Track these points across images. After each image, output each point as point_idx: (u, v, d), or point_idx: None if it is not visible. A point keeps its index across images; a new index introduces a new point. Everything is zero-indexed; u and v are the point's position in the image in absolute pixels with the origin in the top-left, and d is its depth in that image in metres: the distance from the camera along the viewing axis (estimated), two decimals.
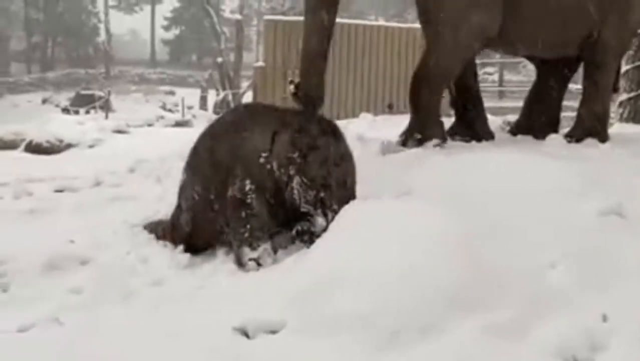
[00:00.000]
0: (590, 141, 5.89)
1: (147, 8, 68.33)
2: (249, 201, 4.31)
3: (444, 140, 5.72)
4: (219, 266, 4.45)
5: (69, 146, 15.51)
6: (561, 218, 3.65)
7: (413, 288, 3.19)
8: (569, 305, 3.02)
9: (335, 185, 4.18)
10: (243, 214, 4.32)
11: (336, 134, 4.35)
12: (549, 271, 3.26)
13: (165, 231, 4.99)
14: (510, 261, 3.35)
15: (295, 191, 4.21)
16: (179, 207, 4.89)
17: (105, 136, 16.66)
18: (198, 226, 4.72)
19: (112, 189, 7.49)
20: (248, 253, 4.25)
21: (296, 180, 4.21)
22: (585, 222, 3.58)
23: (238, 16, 25.75)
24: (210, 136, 4.79)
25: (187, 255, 4.66)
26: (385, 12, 47.40)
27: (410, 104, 6.01)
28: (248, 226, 4.30)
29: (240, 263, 4.28)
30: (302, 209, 4.23)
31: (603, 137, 5.92)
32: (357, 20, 18.03)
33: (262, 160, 4.32)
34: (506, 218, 3.70)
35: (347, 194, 4.22)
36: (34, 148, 15.52)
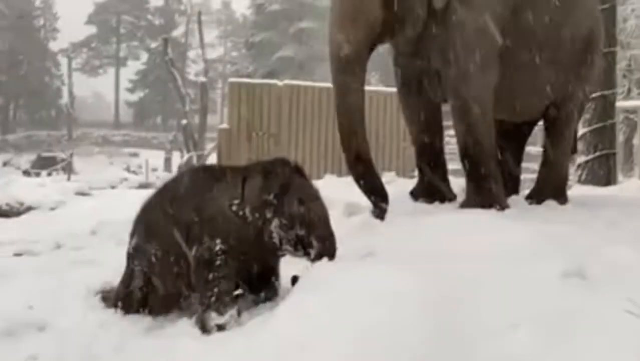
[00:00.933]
0: (550, 203, 5.96)
1: (112, 71, 68.79)
2: (218, 262, 4.23)
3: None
4: (181, 330, 4.40)
5: (29, 208, 15.37)
6: (523, 279, 3.66)
7: (379, 350, 3.18)
8: None
9: (317, 221, 4.19)
10: (210, 276, 4.23)
11: (302, 173, 4.37)
12: (513, 332, 3.26)
13: (118, 298, 4.87)
14: (474, 322, 3.36)
15: (275, 234, 4.19)
16: (130, 272, 4.78)
17: (67, 198, 16.56)
18: (155, 291, 4.64)
19: (72, 253, 7.43)
20: (214, 318, 4.16)
21: (274, 222, 4.19)
22: (548, 283, 3.60)
23: (203, 79, 25.87)
24: (169, 196, 4.70)
25: (149, 319, 4.62)
26: None
27: (475, 176, 5.93)
28: (215, 290, 4.20)
29: (205, 329, 4.18)
30: (283, 252, 4.27)
31: (563, 199, 5.99)
32: (323, 83, 18.21)
33: (233, 208, 4.28)
34: (469, 279, 3.71)
35: (327, 231, 4.24)
36: None
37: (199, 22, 32.11)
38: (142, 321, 4.61)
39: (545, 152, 6.39)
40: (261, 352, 3.41)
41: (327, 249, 4.16)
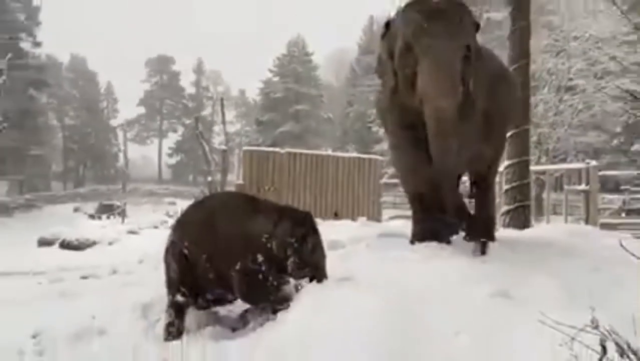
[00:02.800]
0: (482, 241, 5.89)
1: (156, 141, 69.00)
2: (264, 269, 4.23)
3: None
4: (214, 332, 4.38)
5: (93, 243, 15.36)
6: (461, 298, 3.66)
7: (357, 347, 3.18)
8: None
9: (319, 263, 4.23)
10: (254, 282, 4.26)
11: (316, 230, 4.33)
12: (456, 338, 3.25)
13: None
14: (424, 330, 3.34)
15: (290, 267, 4.18)
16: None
17: (121, 236, 16.56)
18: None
19: (125, 276, 7.40)
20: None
21: (291, 259, 4.18)
22: (479, 301, 3.59)
23: (224, 147, 25.87)
24: (211, 211, 4.66)
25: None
26: (333, 145, 48.15)
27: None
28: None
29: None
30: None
31: (492, 238, 5.95)
32: (312, 150, 18.29)
33: (263, 240, 4.25)
34: (419, 298, 3.71)
35: (323, 271, 4.25)
36: (67, 245, 15.36)
37: (222, 105, 32.16)
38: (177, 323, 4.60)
39: (477, 201, 6.29)
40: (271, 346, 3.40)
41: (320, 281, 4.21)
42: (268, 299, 4.24)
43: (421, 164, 5.30)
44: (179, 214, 4.96)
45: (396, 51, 5.08)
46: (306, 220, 4.36)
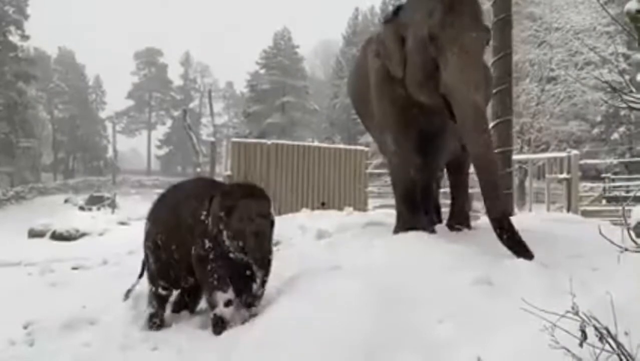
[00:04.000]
0: (464, 229, 5.88)
1: (145, 133, 68.66)
2: (211, 257, 4.14)
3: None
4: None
5: (83, 234, 15.31)
6: (444, 285, 3.67)
7: (347, 332, 3.20)
8: (452, 352, 3.02)
9: (250, 235, 4.00)
10: (209, 267, 4.16)
11: (255, 196, 4.17)
12: (438, 326, 3.26)
13: None
14: (409, 318, 3.35)
15: (225, 243, 4.09)
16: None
17: (111, 226, 16.50)
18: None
19: (115, 267, 7.38)
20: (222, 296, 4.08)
21: (224, 234, 4.09)
22: (463, 288, 3.60)
23: (212, 138, 25.86)
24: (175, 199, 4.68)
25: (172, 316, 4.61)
26: (319, 136, 48.12)
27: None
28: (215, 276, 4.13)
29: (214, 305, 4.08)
30: (231, 255, 4.11)
31: (470, 226, 5.95)
32: (298, 142, 18.30)
33: (202, 218, 4.20)
34: (405, 286, 3.72)
35: (258, 244, 4.02)
36: (57, 236, 15.30)
37: (209, 97, 32.20)
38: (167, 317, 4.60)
39: (454, 192, 6.25)
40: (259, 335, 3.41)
41: (257, 259, 4.01)
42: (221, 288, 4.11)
43: (413, 162, 5.32)
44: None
45: (410, 40, 4.84)
46: (235, 191, 4.22)
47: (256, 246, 4.01)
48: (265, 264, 4.04)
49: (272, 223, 4.16)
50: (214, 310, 4.07)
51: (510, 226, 4.23)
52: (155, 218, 4.72)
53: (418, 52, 4.72)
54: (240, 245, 4.03)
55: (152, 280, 4.70)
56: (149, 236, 4.71)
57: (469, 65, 4.44)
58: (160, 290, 4.64)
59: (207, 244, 4.14)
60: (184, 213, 4.39)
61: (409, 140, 5.28)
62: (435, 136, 5.37)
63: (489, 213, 4.34)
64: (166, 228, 4.54)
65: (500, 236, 4.23)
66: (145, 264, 4.84)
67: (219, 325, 4.02)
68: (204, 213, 4.21)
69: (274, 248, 4.32)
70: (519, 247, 4.14)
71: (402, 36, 4.93)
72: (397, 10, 5.16)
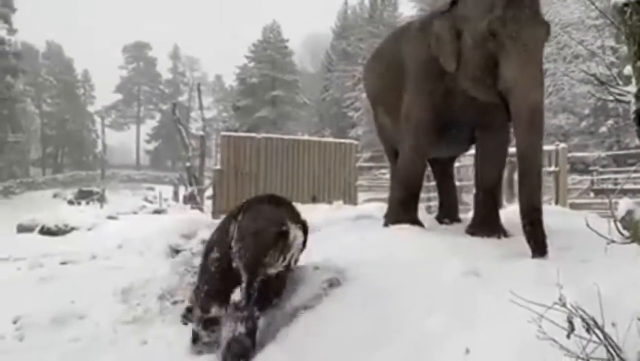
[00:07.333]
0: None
1: (133, 127, 68.51)
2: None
3: None
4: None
5: (72, 228, 15.16)
6: (433, 278, 3.68)
7: (331, 330, 3.20)
8: (441, 343, 3.03)
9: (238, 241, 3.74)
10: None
11: (245, 213, 3.89)
12: (427, 318, 3.27)
13: None
14: (398, 310, 3.37)
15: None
16: None
17: (100, 221, 16.36)
18: None
19: (104, 261, 7.35)
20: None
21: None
22: (452, 281, 3.61)
23: (201, 133, 25.68)
24: None
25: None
26: (309, 129, 48.07)
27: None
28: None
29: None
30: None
31: (458, 219, 5.99)
32: (289, 135, 18.28)
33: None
34: (395, 278, 3.73)
35: (245, 247, 3.70)
36: (46, 231, 15.17)
37: (199, 91, 31.96)
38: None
39: (444, 185, 6.30)
40: None
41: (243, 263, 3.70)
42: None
43: (426, 160, 5.44)
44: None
45: (467, 35, 4.72)
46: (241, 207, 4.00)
47: (242, 252, 3.73)
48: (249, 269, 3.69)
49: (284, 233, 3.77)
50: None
51: (540, 226, 4.20)
52: None
53: (476, 47, 4.62)
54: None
55: None
56: None
57: (530, 61, 4.37)
58: None
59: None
60: None
61: (432, 136, 5.26)
62: (461, 133, 5.35)
63: (521, 209, 4.29)
64: None
65: (527, 233, 4.20)
66: None
67: (194, 340, 3.90)
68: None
69: None
70: (539, 247, 4.12)
71: (457, 30, 4.82)
72: (454, 2, 5.01)
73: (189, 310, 4.21)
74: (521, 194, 4.37)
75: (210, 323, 3.76)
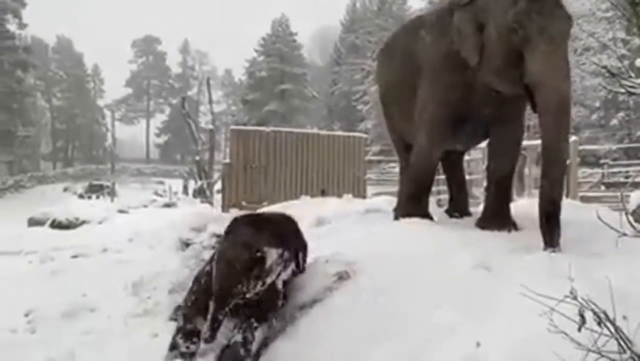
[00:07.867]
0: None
1: (143, 121, 68.67)
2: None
3: None
4: None
5: (83, 222, 15.23)
6: (444, 271, 3.68)
7: (341, 323, 3.21)
8: (451, 337, 3.03)
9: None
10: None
11: (227, 235, 3.66)
12: (436, 311, 3.27)
13: None
14: (408, 303, 3.37)
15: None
16: None
17: (110, 215, 16.44)
18: None
19: (115, 255, 7.38)
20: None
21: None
22: (462, 274, 3.61)
23: (211, 126, 25.74)
24: None
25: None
26: (318, 123, 48.04)
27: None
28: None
29: None
30: None
31: (468, 212, 5.98)
32: (298, 129, 18.28)
33: None
34: (405, 272, 3.73)
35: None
36: (57, 225, 15.24)
37: (208, 85, 32.02)
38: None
39: (455, 180, 6.30)
40: None
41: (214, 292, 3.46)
42: None
43: (440, 154, 5.42)
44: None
45: (491, 27, 4.66)
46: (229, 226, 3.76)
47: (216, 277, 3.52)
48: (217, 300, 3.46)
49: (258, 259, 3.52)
50: None
51: (557, 220, 4.17)
52: None
53: (500, 40, 4.56)
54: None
55: None
56: None
57: (556, 54, 4.36)
58: None
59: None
60: None
61: (447, 131, 5.22)
62: (477, 127, 5.31)
63: (541, 200, 4.25)
64: None
65: (542, 225, 4.17)
66: None
67: (171, 349, 3.71)
68: None
69: None
70: (552, 240, 4.09)
71: (480, 23, 4.76)
72: None
73: (179, 308, 4.16)
74: (542, 185, 4.33)
75: (191, 335, 3.71)
